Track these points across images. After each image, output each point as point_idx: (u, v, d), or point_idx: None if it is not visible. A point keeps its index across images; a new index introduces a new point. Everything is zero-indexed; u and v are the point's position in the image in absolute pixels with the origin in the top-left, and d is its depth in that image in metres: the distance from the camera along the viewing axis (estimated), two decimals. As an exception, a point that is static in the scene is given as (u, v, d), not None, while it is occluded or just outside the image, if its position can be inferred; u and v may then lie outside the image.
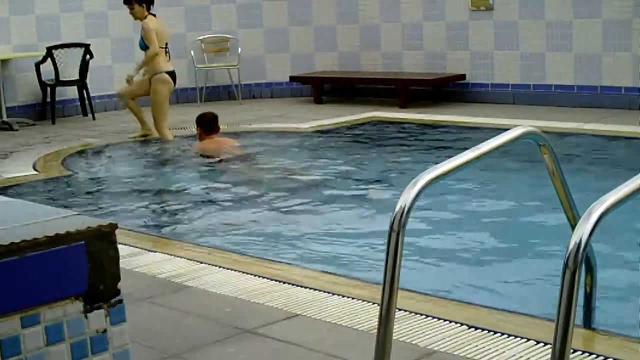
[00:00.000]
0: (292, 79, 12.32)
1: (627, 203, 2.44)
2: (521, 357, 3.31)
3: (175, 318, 3.92)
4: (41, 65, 10.92)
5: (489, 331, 3.56)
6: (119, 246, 1.93)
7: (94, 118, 11.18)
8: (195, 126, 8.64)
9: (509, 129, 3.21)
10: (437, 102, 11.20)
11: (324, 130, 9.71)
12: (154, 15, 9.39)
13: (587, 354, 3.30)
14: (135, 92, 9.55)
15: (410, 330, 3.61)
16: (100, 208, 6.74)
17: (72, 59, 10.94)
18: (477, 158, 2.97)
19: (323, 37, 12.58)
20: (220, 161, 8.30)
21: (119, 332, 1.93)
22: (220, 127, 8.97)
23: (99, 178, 8.03)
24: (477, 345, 3.43)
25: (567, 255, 2.26)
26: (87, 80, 11.14)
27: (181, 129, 9.91)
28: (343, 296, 4.09)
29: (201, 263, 4.76)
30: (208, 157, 8.45)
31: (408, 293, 4.01)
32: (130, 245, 5.10)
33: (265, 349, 3.52)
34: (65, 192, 7.38)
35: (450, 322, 3.68)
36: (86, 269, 1.87)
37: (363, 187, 7.10)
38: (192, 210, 6.52)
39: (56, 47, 10.84)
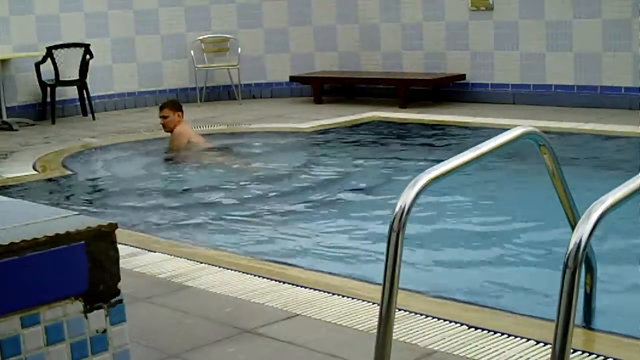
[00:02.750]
0: (292, 79, 12.32)
1: (627, 203, 2.45)
2: (521, 357, 3.31)
3: (175, 318, 3.92)
4: (41, 65, 10.92)
5: (489, 331, 3.56)
6: (119, 246, 1.93)
7: (94, 118, 11.18)
8: (171, 112, 8.52)
9: (509, 129, 3.22)
10: (437, 102, 11.20)
11: (324, 130, 9.71)
12: None
13: (587, 354, 3.30)
14: None
15: (410, 330, 3.61)
16: (100, 208, 6.74)
17: (72, 59, 10.94)
18: (477, 158, 2.98)
19: (323, 37, 12.58)
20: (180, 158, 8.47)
21: (119, 332, 1.93)
22: (220, 127, 9.00)
23: (99, 178, 8.04)
24: (477, 345, 3.43)
25: (567, 255, 2.26)
26: (87, 80, 11.14)
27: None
28: (343, 296, 4.09)
29: (201, 263, 4.76)
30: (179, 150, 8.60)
31: (408, 293, 4.01)
32: (130, 245, 5.09)
33: (265, 349, 3.52)
34: (65, 192, 7.38)
35: (450, 322, 3.68)
36: (86, 269, 1.87)
37: (363, 187, 7.10)
38: (192, 210, 6.52)
39: (56, 47, 10.84)
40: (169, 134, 8.63)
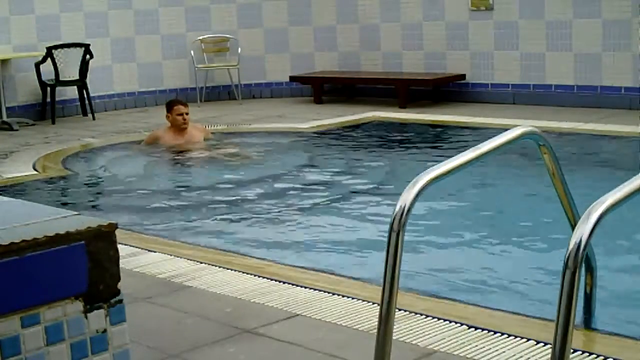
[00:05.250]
0: (292, 79, 12.32)
1: (628, 203, 2.44)
2: (521, 357, 3.31)
3: (175, 318, 3.92)
4: (41, 65, 10.92)
5: (489, 331, 3.56)
6: (119, 246, 1.93)
7: (94, 118, 11.18)
8: (188, 112, 8.75)
9: (509, 129, 3.22)
10: (437, 102, 11.21)
11: (324, 130, 9.71)
12: None
13: (587, 354, 3.30)
14: None
15: (410, 330, 3.61)
16: (100, 208, 6.74)
17: (72, 59, 10.94)
18: (477, 158, 2.98)
19: (323, 37, 12.58)
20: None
21: (119, 332, 1.93)
22: (220, 127, 9.03)
23: (99, 178, 8.04)
24: (477, 345, 3.43)
25: (567, 255, 2.26)
26: (87, 80, 11.14)
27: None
28: (343, 296, 4.09)
29: (201, 263, 4.76)
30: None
31: (408, 293, 4.01)
32: (130, 245, 5.09)
33: (265, 349, 3.52)
34: (65, 192, 7.38)
35: (450, 322, 3.68)
36: (86, 269, 1.87)
37: (363, 187, 7.10)
38: (192, 210, 6.52)
39: (56, 47, 10.84)
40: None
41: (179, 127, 8.69)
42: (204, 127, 9.37)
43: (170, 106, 8.80)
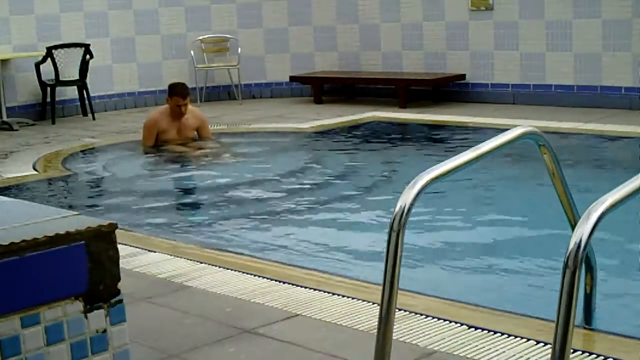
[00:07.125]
0: (292, 79, 12.32)
1: (628, 203, 2.44)
2: (521, 357, 3.31)
3: (175, 318, 3.92)
4: (41, 65, 10.92)
5: (489, 331, 3.56)
6: (119, 246, 1.93)
7: (94, 118, 11.18)
8: (187, 103, 8.65)
9: (509, 129, 3.22)
10: (437, 102, 11.20)
11: (324, 130, 9.71)
12: None
13: (587, 354, 3.30)
14: None
15: (410, 330, 3.61)
16: (100, 208, 6.74)
17: (72, 59, 10.94)
18: (477, 158, 2.98)
19: (323, 37, 12.58)
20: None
21: (119, 332, 1.93)
22: (220, 127, 8.98)
23: (99, 178, 8.03)
24: (477, 345, 3.43)
25: (567, 255, 2.26)
26: (87, 80, 11.14)
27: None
28: (343, 296, 4.09)
29: (201, 263, 4.76)
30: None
31: (408, 293, 4.01)
32: (130, 245, 5.09)
33: (265, 349, 3.52)
34: (65, 192, 7.38)
35: (450, 322, 3.68)
36: (86, 269, 1.87)
37: (363, 187, 7.10)
38: (192, 210, 6.52)
39: (56, 47, 10.84)
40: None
41: (176, 115, 8.70)
42: (203, 116, 9.21)
43: (171, 93, 8.69)
